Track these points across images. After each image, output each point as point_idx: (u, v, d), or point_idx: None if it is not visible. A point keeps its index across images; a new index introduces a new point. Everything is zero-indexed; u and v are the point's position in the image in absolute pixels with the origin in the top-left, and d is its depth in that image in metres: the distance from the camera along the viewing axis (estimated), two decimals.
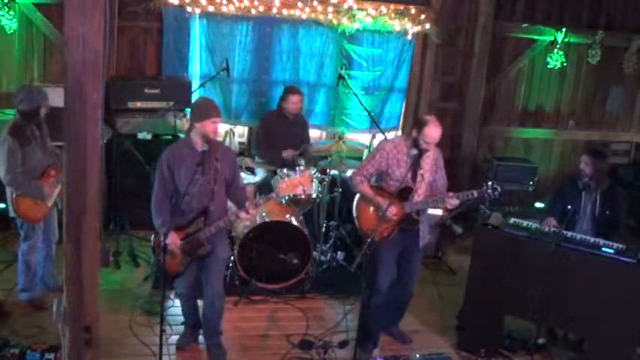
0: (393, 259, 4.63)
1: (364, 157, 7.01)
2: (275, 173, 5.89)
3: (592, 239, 4.68)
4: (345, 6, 6.62)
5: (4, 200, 4.91)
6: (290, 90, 6.20)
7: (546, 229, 4.77)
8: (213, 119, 4.21)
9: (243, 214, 4.32)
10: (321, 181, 5.98)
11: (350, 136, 7.15)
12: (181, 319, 4.73)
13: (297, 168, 5.81)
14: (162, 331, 3.96)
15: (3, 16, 5.88)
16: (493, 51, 7.31)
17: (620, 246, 4.55)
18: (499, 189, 4.45)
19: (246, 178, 5.89)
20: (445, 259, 6.53)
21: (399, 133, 7.38)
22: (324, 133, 7.29)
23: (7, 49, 6.16)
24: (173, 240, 4.21)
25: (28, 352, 4.20)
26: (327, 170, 6.07)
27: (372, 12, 6.71)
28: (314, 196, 5.85)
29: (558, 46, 7.33)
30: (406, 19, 6.84)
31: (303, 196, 5.65)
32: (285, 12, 6.53)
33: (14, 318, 4.76)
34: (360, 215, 4.73)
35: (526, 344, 4.88)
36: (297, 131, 6.26)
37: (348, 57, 6.96)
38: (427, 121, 4.46)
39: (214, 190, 4.30)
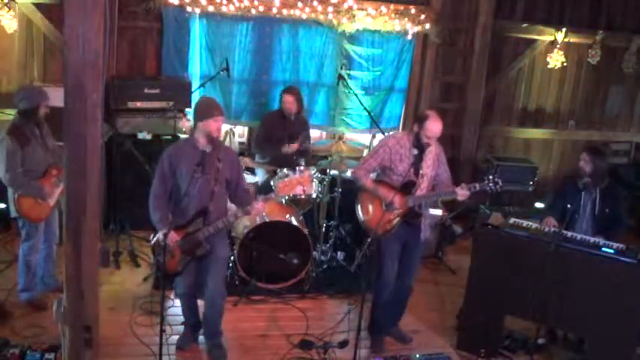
0: (397, 252, 4.67)
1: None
2: (275, 173, 5.89)
3: (592, 239, 4.68)
4: (345, 6, 6.62)
5: (4, 200, 4.91)
6: (285, 90, 6.22)
7: (546, 229, 4.77)
8: (215, 118, 4.21)
9: (259, 204, 4.29)
10: (321, 181, 5.99)
11: (350, 136, 7.16)
12: (181, 319, 4.73)
13: (297, 168, 5.81)
14: (162, 331, 3.96)
15: (3, 16, 5.88)
16: (493, 51, 7.31)
17: (620, 246, 4.55)
18: (500, 182, 4.51)
19: (246, 178, 5.88)
20: (445, 259, 6.53)
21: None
22: (324, 133, 7.29)
23: (7, 49, 6.16)
24: (171, 237, 4.21)
25: (28, 352, 4.19)
26: (327, 170, 6.08)
27: (372, 12, 6.71)
28: (314, 196, 5.86)
29: (558, 46, 7.34)
30: (406, 19, 6.84)
31: (303, 196, 5.66)
32: (285, 12, 6.53)
33: (14, 318, 4.76)
34: (364, 210, 4.73)
35: (526, 344, 4.88)
36: (298, 131, 6.26)
37: (348, 57, 6.96)
38: (428, 115, 4.50)
39: (214, 191, 4.30)
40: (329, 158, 6.08)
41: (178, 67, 6.56)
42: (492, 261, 4.75)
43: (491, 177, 4.52)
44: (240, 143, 7.01)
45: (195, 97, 6.25)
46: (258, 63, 6.79)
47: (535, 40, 7.47)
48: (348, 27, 6.72)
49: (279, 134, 6.17)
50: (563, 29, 7.28)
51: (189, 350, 4.65)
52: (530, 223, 4.84)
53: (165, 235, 4.11)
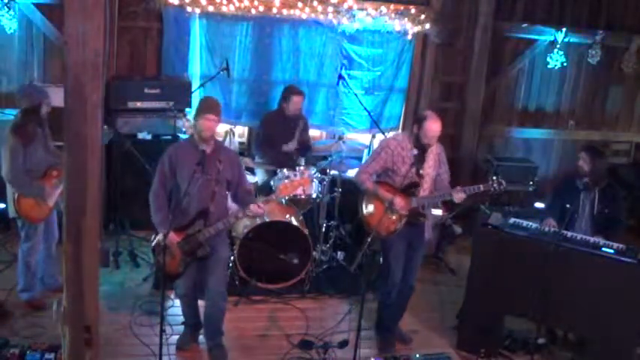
0: (403, 252, 4.70)
1: (364, 157, 7.03)
2: (275, 173, 5.89)
3: (592, 239, 4.68)
4: (345, 6, 6.62)
5: (4, 200, 4.91)
6: (292, 91, 6.18)
7: (546, 229, 4.77)
8: (205, 117, 4.21)
9: (255, 207, 4.27)
10: (321, 181, 5.98)
11: (350, 136, 7.15)
12: (181, 319, 4.73)
13: (297, 168, 5.81)
14: (162, 331, 3.96)
15: (3, 16, 5.88)
16: (493, 51, 7.31)
17: (620, 246, 4.55)
18: (504, 183, 4.56)
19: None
20: (445, 259, 6.53)
21: (399, 132, 7.37)
22: (324, 133, 7.29)
23: (7, 49, 6.16)
24: (171, 237, 4.20)
25: (28, 352, 4.19)
26: (327, 170, 6.07)
27: (372, 12, 6.71)
28: (314, 196, 5.86)
29: (558, 46, 7.33)
30: (406, 19, 6.84)
31: (303, 197, 5.66)
32: (285, 12, 6.53)
33: (14, 318, 4.76)
34: (369, 214, 4.74)
35: (526, 344, 4.88)
36: (298, 131, 6.26)
37: (348, 57, 6.96)
38: (426, 116, 4.52)
39: (215, 192, 4.30)
40: (329, 158, 6.08)
41: (178, 67, 6.55)
42: (492, 261, 4.75)
43: (495, 178, 4.57)
44: (240, 143, 7.01)
45: (196, 97, 6.26)
46: (258, 63, 6.78)
47: (535, 40, 7.47)
48: (348, 27, 6.72)
49: (280, 134, 6.17)
50: (563, 29, 7.28)
51: (189, 350, 4.65)
52: (530, 223, 4.84)
53: (165, 236, 4.11)
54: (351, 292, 5.52)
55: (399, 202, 4.53)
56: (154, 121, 6.25)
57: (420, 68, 7.25)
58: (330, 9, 6.60)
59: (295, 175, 5.65)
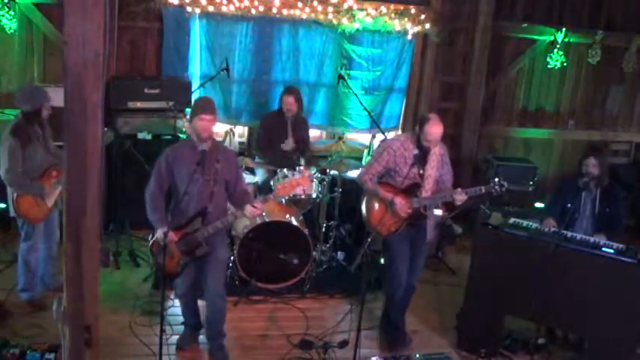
0: (406, 252, 4.72)
1: (364, 157, 7.03)
2: (275, 173, 5.89)
3: (592, 239, 4.68)
4: (345, 6, 6.62)
5: (4, 200, 4.91)
6: (285, 91, 6.22)
7: (546, 229, 4.77)
8: (200, 117, 4.21)
9: (252, 207, 4.24)
10: (321, 181, 5.98)
11: (350, 136, 7.16)
12: (181, 319, 4.73)
13: (297, 168, 5.81)
14: (162, 331, 3.96)
15: (3, 16, 5.88)
16: (493, 51, 7.31)
17: (620, 246, 4.55)
18: (506, 185, 4.59)
19: (246, 178, 5.88)
20: (445, 259, 6.53)
21: (399, 133, 7.38)
22: (324, 133, 7.29)
23: (7, 49, 6.16)
24: (170, 237, 4.20)
25: (28, 352, 4.20)
26: (327, 170, 6.07)
27: (372, 12, 6.71)
28: (314, 196, 5.86)
29: (558, 46, 7.33)
30: (406, 19, 6.84)
31: (303, 196, 5.66)
32: (285, 12, 6.53)
33: (14, 318, 4.76)
34: (371, 214, 4.75)
35: (526, 344, 4.88)
36: (297, 131, 6.26)
37: (348, 57, 6.96)
38: (428, 119, 4.53)
39: (213, 191, 4.30)
40: (329, 158, 6.08)
41: (178, 67, 6.56)
42: (492, 261, 4.76)
43: (497, 179, 4.60)
44: (240, 143, 7.01)
45: (195, 97, 6.25)
46: (258, 63, 6.78)
47: (535, 40, 7.47)
48: (348, 27, 6.72)
49: (279, 135, 6.17)
50: (563, 29, 7.28)
51: (189, 350, 4.65)
52: (530, 223, 4.84)
53: (165, 234, 4.11)
54: (351, 292, 5.52)
55: (399, 201, 4.55)
56: (154, 121, 6.25)
57: (420, 68, 7.25)
58: (330, 9, 6.60)
59: (294, 175, 5.65)
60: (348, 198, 6.17)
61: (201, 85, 6.44)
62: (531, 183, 7.29)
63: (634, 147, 8.15)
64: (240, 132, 7.08)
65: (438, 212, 4.82)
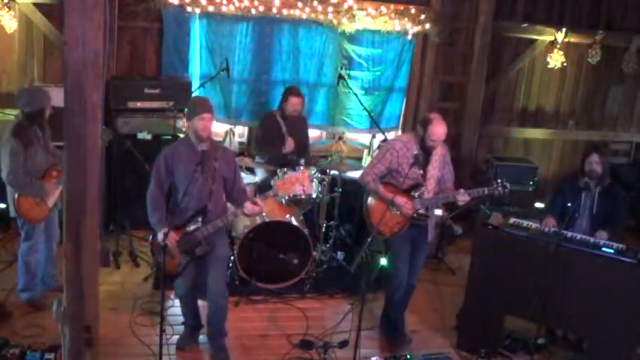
0: (408, 253, 4.73)
1: (364, 157, 7.03)
2: (275, 173, 5.89)
3: (592, 239, 4.68)
4: (345, 6, 6.62)
5: (4, 200, 4.91)
6: (291, 92, 6.18)
7: (546, 229, 4.77)
8: (200, 116, 4.21)
9: (252, 205, 4.24)
10: (321, 181, 5.98)
11: (350, 136, 7.16)
12: (181, 319, 4.73)
13: (297, 168, 5.81)
14: (162, 331, 3.96)
15: (3, 16, 5.87)
16: (493, 51, 7.31)
17: (620, 246, 4.55)
18: (508, 186, 4.60)
19: (246, 178, 5.89)
20: (445, 259, 6.53)
21: (399, 133, 7.38)
22: (324, 133, 7.29)
23: (7, 49, 6.16)
24: (170, 237, 4.21)
25: (28, 352, 4.20)
26: (327, 170, 6.07)
27: (372, 12, 6.71)
28: (314, 196, 5.85)
29: (558, 46, 7.33)
30: (406, 19, 6.84)
31: (303, 196, 5.66)
32: (285, 12, 6.53)
33: (14, 318, 4.76)
34: (373, 214, 4.75)
35: (526, 344, 4.88)
36: (297, 131, 6.26)
37: (348, 57, 6.95)
38: (432, 119, 4.53)
39: (212, 190, 4.30)
40: (329, 158, 6.08)
41: (178, 67, 6.55)
42: (492, 261, 4.75)
43: (499, 181, 4.59)
44: (240, 143, 7.01)
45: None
46: (258, 63, 6.78)
47: (535, 40, 7.47)
48: (348, 27, 6.71)
49: (279, 135, 6.17)
50: (563, 29, 7.28)
51: (189, 350, 4.65)
52: (530, 223, 4.84)
53: (166, 235, 4.11)
54: (351, 292, 5.52)
55: (399, 199, 4.55)
56: (154, 121, 6.25)
57: (420, 68, 7.25)
58: (330, 9, 6.60)
59: (294, 173, 5.64)
60: (348, 198, 6.17)
61: (201, 85, 6.43)
62: (531, 183, 7.29)
63: (634, 147, 8.15)
64: (240, 132, 7.08)
65: (438, 212, 4.83)
